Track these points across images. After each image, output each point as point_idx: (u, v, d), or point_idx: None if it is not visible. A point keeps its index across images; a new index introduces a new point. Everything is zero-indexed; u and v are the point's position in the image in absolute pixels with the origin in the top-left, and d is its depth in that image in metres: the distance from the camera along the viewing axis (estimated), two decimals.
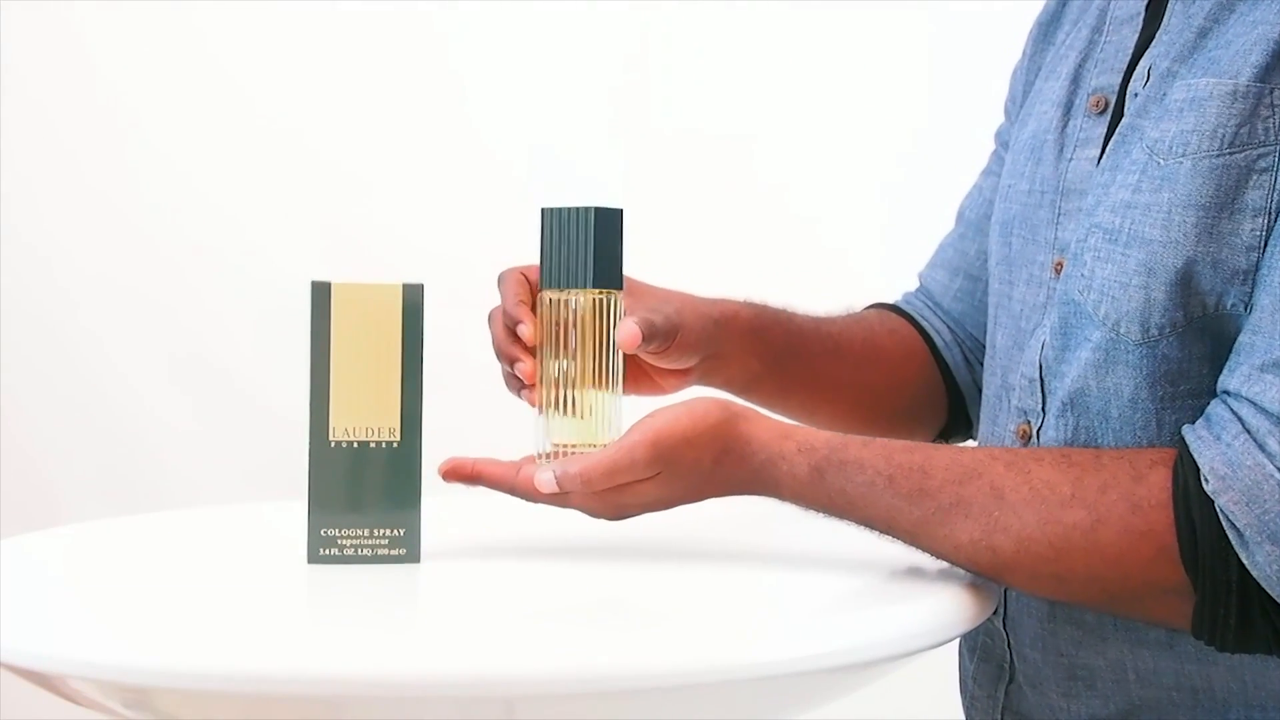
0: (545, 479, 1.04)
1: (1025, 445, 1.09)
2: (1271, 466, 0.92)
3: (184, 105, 2.44)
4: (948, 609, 0.97)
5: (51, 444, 2.51)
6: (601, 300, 1.08)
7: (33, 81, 2.47)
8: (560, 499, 1.05)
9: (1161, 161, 1.00)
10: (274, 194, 2.43)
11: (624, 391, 1.12)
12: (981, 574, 1.00)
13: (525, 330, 1.08)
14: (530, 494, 1.06)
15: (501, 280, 1.12)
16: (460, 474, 1.07)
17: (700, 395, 1.06)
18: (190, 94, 2.44)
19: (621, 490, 1.03)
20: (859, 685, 0.97)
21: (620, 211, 1.08)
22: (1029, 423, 1.09)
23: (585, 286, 1.07)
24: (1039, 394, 1.08)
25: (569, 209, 1.08)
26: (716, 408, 1.03)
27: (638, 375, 1.16)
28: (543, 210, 1.09)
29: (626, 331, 1.07)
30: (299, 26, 2.41)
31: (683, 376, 1.17)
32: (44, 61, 2.47)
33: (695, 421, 1.02)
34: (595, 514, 1.06)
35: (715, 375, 1.18)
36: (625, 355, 1.10)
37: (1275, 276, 0.96)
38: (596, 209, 1.07)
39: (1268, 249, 0.97)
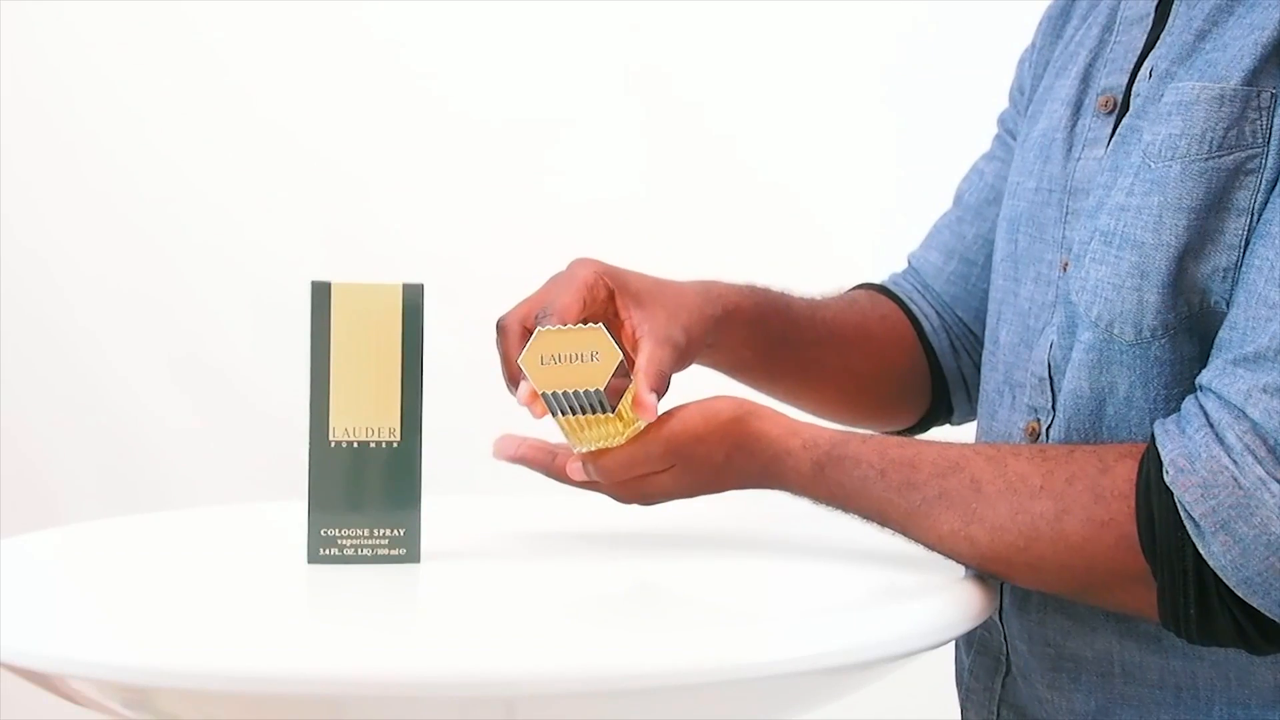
0: (575, 467, 1.09)
1: (1034, 442, 1.10)
2: (1227, 459, 0.94)
3: (183, 104, 2.44)
4: (948, 609, 0.97)
5: (51, 444, 2.51)
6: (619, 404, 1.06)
7: (32, 81, 2.47)
8: (590, 485, 1.09)
9: (1153, 165, 1.02)
10: (274, 194, 2.43)
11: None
12: (965, 564, 1.03)
13: (523, 392, 1.06)
14: (564, 478, 1.10)
15: (501, 333, 1.09)
16: (506, 452, 1.11)
17: (718, 394, 1.08)
18: (190, 93, 2.44)
19: (642, 480, 1.07)
20: (859, 685, 0.97)
21: (621, 359, 1.03)
22: (1039, 420, 1.10)
23: (606, 413, 1.05)
24: (1049, 392, 1.09)
25: (574, 395, 1.02)
26: (730, 405, 1.07)
27: (627, 363, 1.16)
28: (544, 395, 1.03)
29: (646, 406, 1.05)
30: (299, 25, 2.41)
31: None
32: (44, 61, 2.46)
33: (708, 419, 1.06)
34: (622, 500, 1.10)
35: (705, 359, 1.20)
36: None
37: (1252, 274, 0.97)
38: (595, 392, 1.02)
39: (1249, 248, 0.98)
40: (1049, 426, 1.09)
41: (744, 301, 1.19)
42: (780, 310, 1.22)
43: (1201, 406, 0.96)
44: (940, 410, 1.32)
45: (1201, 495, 0.94)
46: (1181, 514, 0.94)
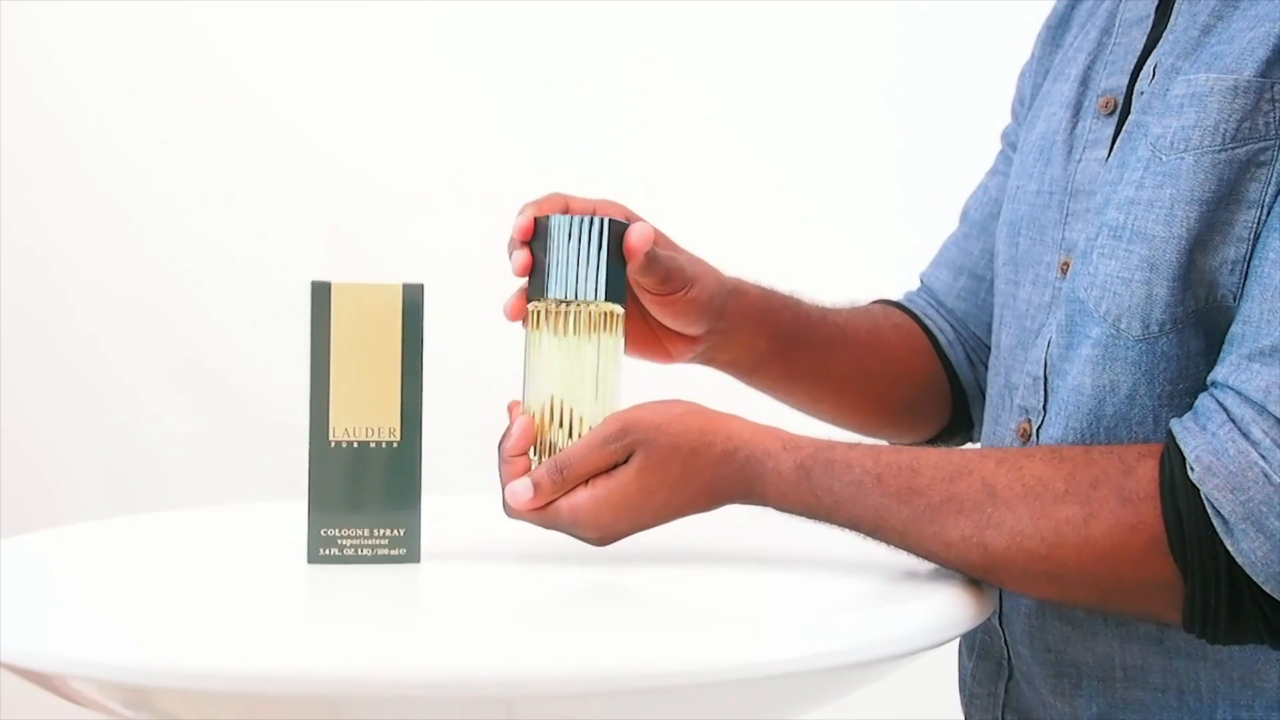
0: (520, 486, 1.03)
1: (1025, 443, 1.10)
2: (1255, 454, 0.92)
3: (185, 104, 2.44)
4: (947, 609, 0.97)
5: (51, 444, 2.51)
6: (608, 315, 1.06)
7: (33, 79, 2.47)
8: (548, 516, 1.03)
9: (1164, 157, 1.01)
10: (275, 194, 2.43)
11: (633, 354, 1.11)
12: (972, 573, 1.00)
13: (519, 260, 1.05)
14: (509, 509, 1.04)
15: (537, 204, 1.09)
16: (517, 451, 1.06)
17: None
18: (191, 92, 2.44)
19: (607, 499, 1.01)
20: (859, 685, 0.97)
21: (626, 225, 1.06)
22: (1029, 420, 1.10)
23: (595, 299, 1.05)
24: (1041, 392, 1.09)
25: (579, 217, 1.04)
26: (685, 401, 1.03)
27: (647, 339, 1.15)
28: (548, 219, 1.05)
29: (641, 231, 1.05)
30: (300, 24, 2.41)
31: (691, 344, 1.15)
32: (44, 59, 2.47)
33: (664, 408, 1.02)
34: (583, 530, 1.03)
35: (723, 351, 1.17)
36: (632, 323, 1.10)
37: (1266, 268, 0.97)
38: (610, 219, 1.05)
39: (1260, 241, 0.98)
40: (1039, 426, 1.09)
41: (751, 288, 1.18)
42: (790, 306, 1.21)
43: (1220, 403, 0.95)
44: (961, 423, 1.30)
45: (1230, 492, 0.92)
46: (1209, 511, 0.93)
